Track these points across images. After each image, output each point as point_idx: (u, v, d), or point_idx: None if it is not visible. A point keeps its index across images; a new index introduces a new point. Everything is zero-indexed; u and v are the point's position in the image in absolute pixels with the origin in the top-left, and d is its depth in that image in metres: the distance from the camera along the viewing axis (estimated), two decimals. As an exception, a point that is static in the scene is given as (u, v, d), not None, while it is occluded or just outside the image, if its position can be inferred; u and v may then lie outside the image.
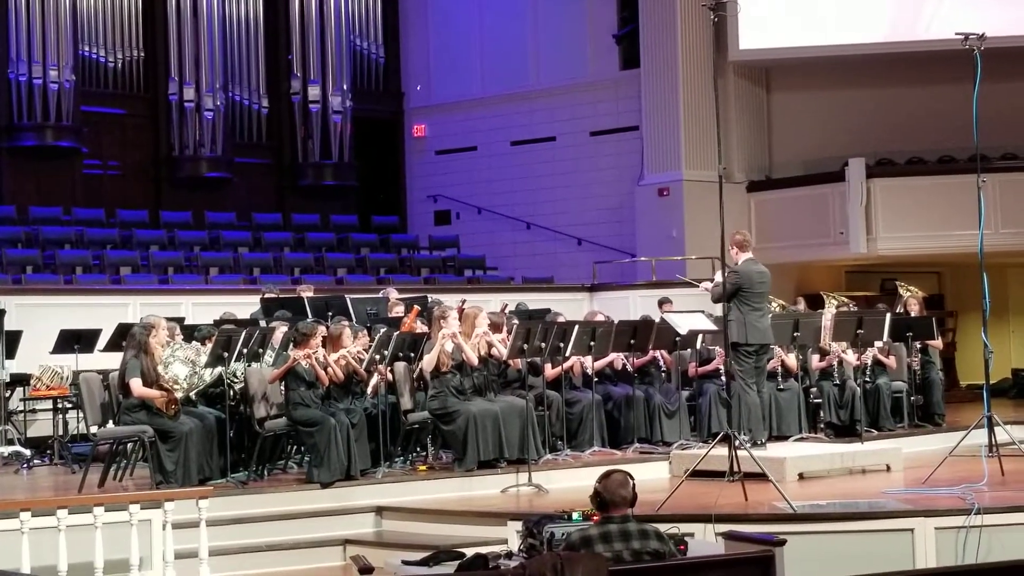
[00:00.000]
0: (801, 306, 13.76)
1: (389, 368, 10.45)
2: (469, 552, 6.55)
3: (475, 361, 10.59)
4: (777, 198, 18.27)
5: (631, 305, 15.77)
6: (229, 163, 19.53)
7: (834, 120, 18.57)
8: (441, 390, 10.42)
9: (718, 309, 10.82)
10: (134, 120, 19.25)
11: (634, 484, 6.02)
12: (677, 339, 11.92)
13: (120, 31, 19.04)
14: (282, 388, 10.05)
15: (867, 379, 12.83)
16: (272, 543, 9.15)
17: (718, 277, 10.98)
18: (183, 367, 9.84)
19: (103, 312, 13.14)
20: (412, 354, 10.56)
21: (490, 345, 10.83)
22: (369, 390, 10.53)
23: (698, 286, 11.70)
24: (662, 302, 13.47)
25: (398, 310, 12.22)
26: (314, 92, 20.17)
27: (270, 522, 9.31)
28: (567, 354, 11.11)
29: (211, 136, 19.24)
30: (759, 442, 10.62)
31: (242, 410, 10.25)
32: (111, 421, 10.05)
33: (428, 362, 10.42)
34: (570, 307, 14.76)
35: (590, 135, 19.62)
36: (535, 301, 14.69)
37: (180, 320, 11.72)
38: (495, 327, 11.05)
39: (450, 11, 21.25)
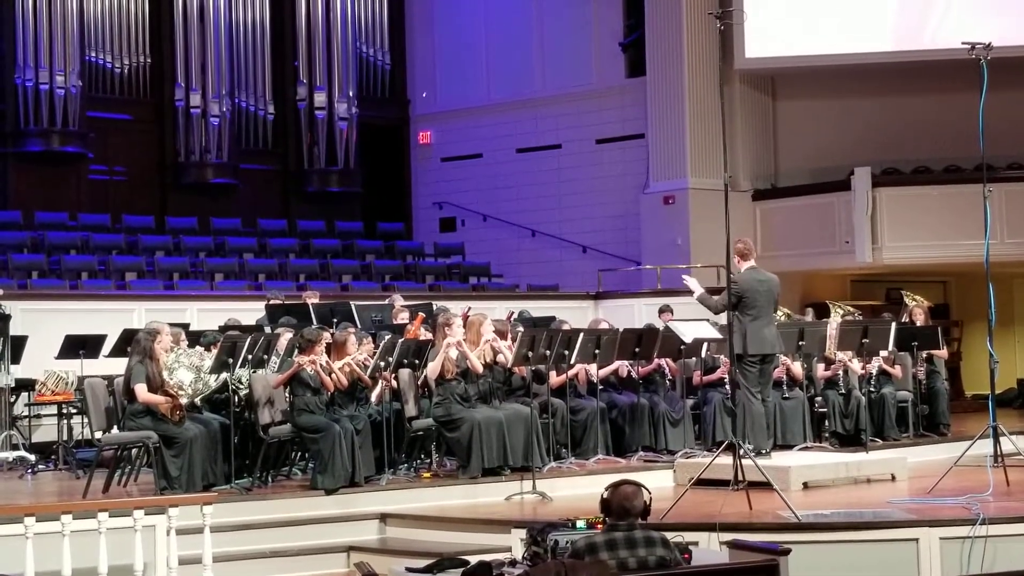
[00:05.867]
0: (807, 315, 13.74)
1: (394, 375, 10.45)
2: (473, 560, 6.53)
3: (480, 368, 10.59)
4: (783, 207, 18.28)
5: (636, 313, 15.76)
6: (235, 169, 19.54)
7: (840, 129, 18.56)
8: (445, 397, 10.41)
9: (722, 317, 10.77)
10: (140, 126, 19.27)
11: (651, 498, 6.01)
12: (682, 347, 11.90)
13: (127, 37, 19.06)
14: (287, 394, 10.05)
15: (872, 388, 12.80)
16: (276, 550, 9.14)
17: (694, 285, 10.91)
18: (188, 373, 9.83)
19: (108, 318, 13.13)
20: (417, 361, 10.55)
21: (496, 352, 10.82)
22: (373, 397, 10.53)
23: (693, 295, 11.15)
24: (662, 310, 13.47)
25: (403, 317, 12.23)
26: (320, 99, 20.18)
27: (274, 528, 9.30)
28: (572, 362, 11.11)
29: (217, 142, 19.25)
30: (763, 451, 10.61)
31: (246, 416, 10.25)
32: (116, 427, 10.07)
33: (433, 369, 10.41)
34: (575, 315, 14.73)
35: (596, 143, 19.62)
36: (540, 309, 14.68)
37: (185, 326, 11.71)
38: (500, 334, 11.04)
39: (456, 18, 21.26)
